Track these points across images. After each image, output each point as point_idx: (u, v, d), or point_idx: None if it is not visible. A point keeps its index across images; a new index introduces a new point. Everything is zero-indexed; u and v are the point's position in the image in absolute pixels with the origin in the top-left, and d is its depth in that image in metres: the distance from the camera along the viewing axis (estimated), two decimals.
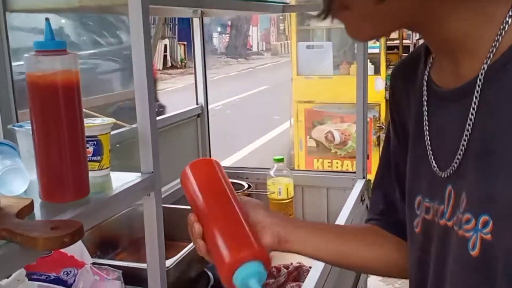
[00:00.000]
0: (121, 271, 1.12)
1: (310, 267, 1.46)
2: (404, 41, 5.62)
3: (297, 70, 4.48)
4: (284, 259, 1.64)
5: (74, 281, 1.02)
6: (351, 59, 4.45)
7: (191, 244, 1.28)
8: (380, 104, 4.28)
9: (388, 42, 4.91)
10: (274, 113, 7.89)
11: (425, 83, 0.69)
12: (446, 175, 0.64)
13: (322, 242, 0.81)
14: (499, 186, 0.57)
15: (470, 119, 0.60)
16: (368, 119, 2.28)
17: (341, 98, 4.26)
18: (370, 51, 2.86)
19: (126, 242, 1.49)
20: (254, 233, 0.75)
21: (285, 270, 1.54)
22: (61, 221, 0.73)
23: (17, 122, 1.17)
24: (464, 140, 0.61)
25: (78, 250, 1.12)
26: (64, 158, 0.85)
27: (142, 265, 1.15)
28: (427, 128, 0.68)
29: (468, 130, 0.61)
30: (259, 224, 0.77)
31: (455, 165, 0.62)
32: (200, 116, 2.07)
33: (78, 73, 0.88)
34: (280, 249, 0.78)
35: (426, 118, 0.68)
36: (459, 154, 0.62)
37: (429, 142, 0.68)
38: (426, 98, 0.68)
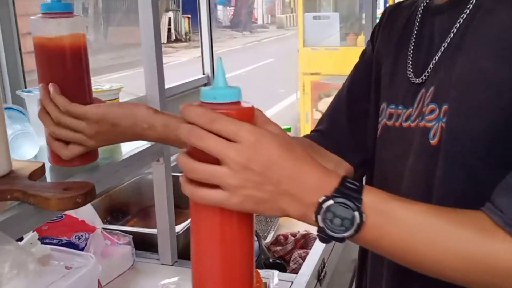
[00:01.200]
0: (131, 236, 1.13)
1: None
2: None
3: (304, 41, 4.43)
4: (291, 228, 1.66)
5: (85, 245, 1.03)
6: (358, 30, 4.39)
7: None
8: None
9: None
10: (280, 86, 7.85)
11: (424, 3, 0.73)
12: (420, 81, 0.68)
13: None
14: (457, 72, 0.62)
15: (458, 22, 0.64)
16: None
17: (347, 70, 4.22)
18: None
19: (136, 210, 1.50)
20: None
21: (292, 238, 1.55)
22: (73, 183, 0.74)
23: (25, 87, 1.17)
24: (445, 44, 0.66)
25: (89, 215, 1.13)
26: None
27: (152, 231, 1.17)
28: (414, 39, 0.73)
29: (451, 34, 0.65)
30: None
31: (429, 69, 0.67)
32: (207, 86, 2.06)
33: (85, 36, 0.87)
34: None
35: (415, 30, 0.73)
36: (435, 57, 0.66)
37: (411, 52, 0.72)
38: (420, 13, 0.73)
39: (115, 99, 1.05)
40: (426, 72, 0.67)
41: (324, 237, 0.53)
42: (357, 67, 0.87)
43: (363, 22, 4.56)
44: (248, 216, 0.54)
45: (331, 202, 0.51)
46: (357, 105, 0.82)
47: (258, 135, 0.51)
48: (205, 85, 2.07)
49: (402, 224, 0.53)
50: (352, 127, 0.82)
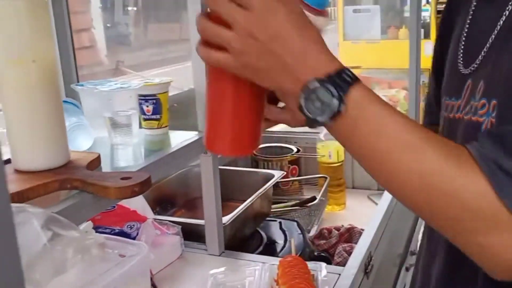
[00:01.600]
0: (180, 227, 1.15)
1: (362, 229, 1.46)
2: None
3: (344, 35, 4.38)
4: (335, 222, 1.65)
5: (137, 234, 1.06)
6: (400, 23, 4.31)
7: (245, 203, 1.30)
8: (430, 70, 4.15)
9: (438, 6, 4.71)
10: None
11: None
12: (468, 71, 0.67)
13: None
14: (505, 67, 0.58)
15: (504, 14, 0.62)
16: None
17: (389, 63, 4.16)
18: None
19: (182, 202, 1.53)
20: None
21: (336, 232, 1.54)
22: (130, 172, 0.76)
23: (78, 81, 1.21)
24: (493, 36, 0.63)
25: (140, 205, 1.16)
26: None
27: (200, 221, 1.19)
28: (466, 29, 0.71)
29: (499, 25, 0.62)
30: None
31: (478, 61, 0.65)
32: None
33: None
34: None
35: (469, 17, 0.70)
36: (486, 48, 0.64)
37: (463, 43, 0.70)
38: (475, 3, 0.71)
39: (165, 92, 1.07)
40: (475, 64, 0.66)
41: (308, 120, 0.54)
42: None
43: (405, 14, 4.47)
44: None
45: (317, 84, 0.52)
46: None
47: (271, 5, 0.52)
48: None
49: (374, 125, 0.54)
50: None
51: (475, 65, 0.66)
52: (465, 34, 0.71)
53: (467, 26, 0.71)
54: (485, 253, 0.51)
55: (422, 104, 4.20)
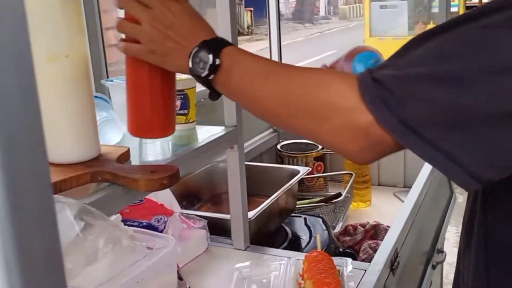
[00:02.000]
0: (206, 221, 1.16)
1: (388, 226, 1.45)
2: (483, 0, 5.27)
3: (370, 31, 4.34)
4: (360, 219, 1.65)
5: (164, 227, 1.07)
6: (427, 19, 4.24)
7: (270, 199, 1.31)
8: None
9: (467, 1, 4.63)
10: None
11: None
12: None
13: None
14: None
15: None
16: None
17: None
18: None
19: (208, 197, 1.54)
20: None
21: (362, 229, 1.54)
22: (159, 166, 0.77)
23: (108, 77, 1.24)
24: None
25: (167, 199, 1.17)
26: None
27: (226, 216, 1.20)
28: None
29: None
30: None
31: None
32: None
33: None
34: None
35: None
36: None
37: None
38: None
39: (192, 87, 1.08)
40: None
41: (197, 79, 0.72)
42: None
43: (433, 10, 4.39)
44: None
45: (197, 48, 0.69)
46: None
47: (167, 3, 0.71)
48: None
49: (245, 66, 0.69)
50: None
51: None
52: None
53: None
54: (335, 138, 0.62)
55: None
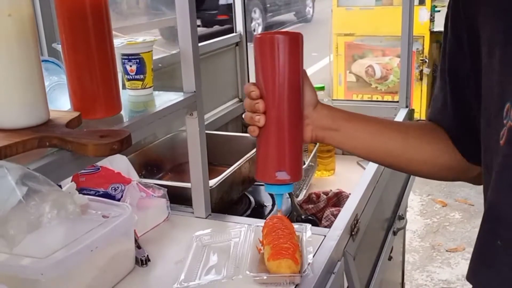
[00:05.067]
0: (166, 189, 1.14)
1: (350, 194, 1.46)
2: None
3: (338, 1, 4.31)
4: (323, 187, 1.66)
5: (121, 196, 1.05)
6: None
7: (232, 167, 1.29)
8: (424, 37, 4.11)
9: None
10: (312, 50, 7.71)
11: None
12: None
13: (363, 141, 0.82)
14: None
15: None
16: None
17: (383, 30, 4.11)
18: None
19: (169, 167, 1.52)
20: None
21: (325, 196, 1.55)
22: (110, 130, 0.75)
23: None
24: None
25: (124, 168, 1.15)
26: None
27: (186, 185, 1.18)
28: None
29: None
30: (306, 119, 0.81)
31: None
32: (239, 44, 2.04)
33: None
34: (319, 142, 0.86)
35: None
36: None
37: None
38: None
39: (149, 51, 1.05)
40: None
41: None
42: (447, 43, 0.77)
43: None
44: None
45: None
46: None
47: None
48: (237, 44, 2.04)
49: None
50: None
51: None
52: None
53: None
54: None
55: (415, 72, 4.17)
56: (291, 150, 0.80)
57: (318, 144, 1.74)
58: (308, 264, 0.90)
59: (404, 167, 0.85)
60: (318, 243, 1.01)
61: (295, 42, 0.79)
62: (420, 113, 4.08)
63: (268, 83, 0.78)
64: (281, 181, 0.80)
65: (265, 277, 0.89)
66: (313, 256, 0.94)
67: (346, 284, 1.09)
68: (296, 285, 0.88)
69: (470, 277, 0.65)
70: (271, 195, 1.44)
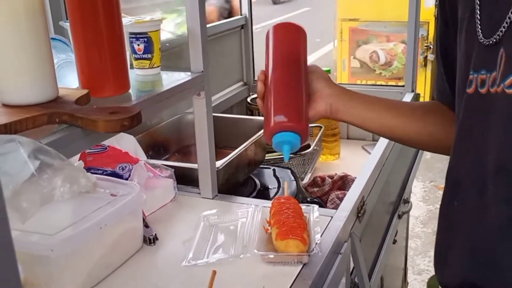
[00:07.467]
0: (173, 170, 1.14)
1: (356, 178, 1.46)
2: None
3: None
4: (328, 170, 1.66)
5: (129, 176, 1.05)
6: None
7: (238, 149, 1.29)
8: (429, 23, 4.07)
9: None
10: (316, 35, 7.67)
11: None
12: (495, 40, 0.62)
13: (370, 115, 0.85)
14: None
15: None
16: None
17: (387, 15, 4.07)
18: None
19: (175, 149, 1.52)
20: (306, 105, 0.83)
21: (330, 180, 1.55)
22: (120, 107, 0.74)
23: (67, 18, 1.17)
24: None
25: (132, 148, 1.15)
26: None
27: (193, 165, 1.18)
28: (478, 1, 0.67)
29: None
30: (317, 92, 0.84)
31: (503, 29, 0.61)
32: (244, 27, 2.03)
33: None
34: (330, 117, 0.85)
35: None
36: (509, 17, 0.60)
37: (478, 12, 0.66)
38: None
39: (156, 30, 1.04)
40: (499, 32, 0.61)
41: None
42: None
43: None
44: None
45: None
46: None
47: None
48: (242, 26, 2.03)
49: None
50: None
51: (501, 32, 0.61)
52: (478, 2, 0.65)
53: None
54: None
55: (420, 58, 4.15)
56: (289, 97, 0.82)
57: (323, 128, 1.74)
58: (316, 244, 0.90)
59: (408, 140, 0.89)
60: (325, 224, 1.02)
61: (293, 27, 0.91)
62: (424, 99, 4.06)
63: (268, 57, 0.86)
64: (280, 125, 0.79)
65: (272, 256, 0.89)
66: (321, 236, 0.94)
67: (352, 265, 1.09)
68: (304, 264, 0.88)
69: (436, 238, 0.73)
70: (277, 178, 1.44)
